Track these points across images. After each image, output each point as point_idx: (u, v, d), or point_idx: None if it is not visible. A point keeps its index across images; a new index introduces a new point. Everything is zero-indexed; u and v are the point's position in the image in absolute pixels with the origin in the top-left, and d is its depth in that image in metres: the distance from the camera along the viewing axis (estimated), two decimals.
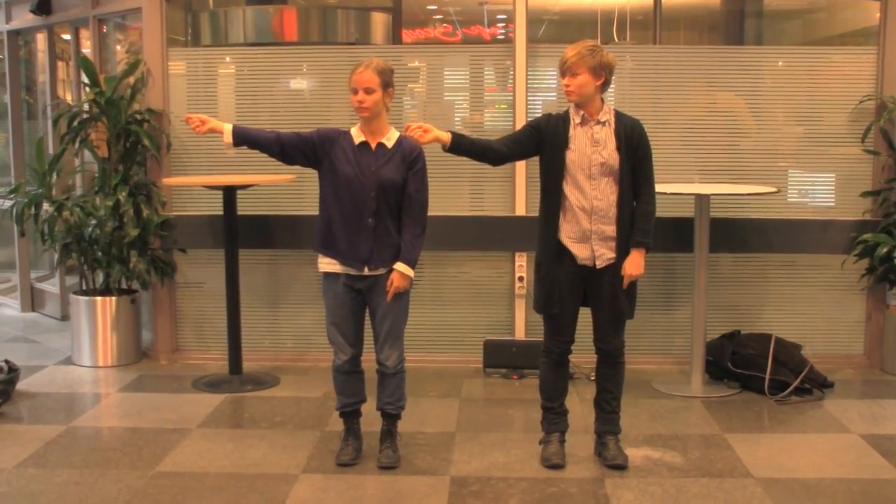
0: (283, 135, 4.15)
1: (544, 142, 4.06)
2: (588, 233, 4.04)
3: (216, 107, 6.04)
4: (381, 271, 4.10)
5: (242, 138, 4.15)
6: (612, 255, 4.07)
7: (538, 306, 4.21)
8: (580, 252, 4.06)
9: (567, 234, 4.07)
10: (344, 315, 4.17)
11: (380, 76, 4.02)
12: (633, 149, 4.05)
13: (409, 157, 4.11)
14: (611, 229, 4.05)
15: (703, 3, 8.76)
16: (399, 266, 4.07)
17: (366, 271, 4.09)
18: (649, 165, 4.12)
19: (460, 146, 4.06)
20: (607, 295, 4.11)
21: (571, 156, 4.02)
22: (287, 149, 4.13)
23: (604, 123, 4.05)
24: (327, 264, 4.15)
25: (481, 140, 4.19)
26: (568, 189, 4.04)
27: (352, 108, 4.14)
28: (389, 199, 4.08)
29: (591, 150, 4.01)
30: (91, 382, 5.65)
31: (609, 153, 4.01)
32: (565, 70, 3.99)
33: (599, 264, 4.07)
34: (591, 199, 4.02)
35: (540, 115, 4.24)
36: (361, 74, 4.01)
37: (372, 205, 4.05)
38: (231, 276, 5.52)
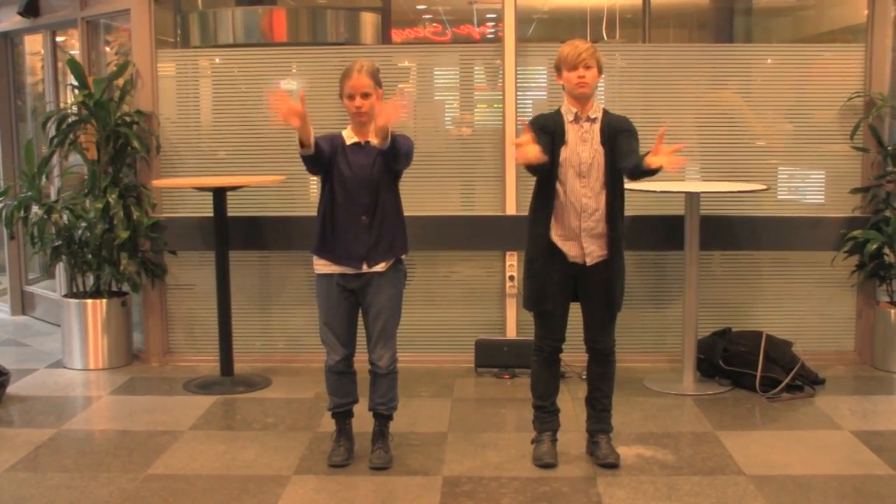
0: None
1: (546, 145, 4.04)
2: (577, 231, 4.04)
3: (206, 108, 6.03)
4: (381, 266, 4.11)
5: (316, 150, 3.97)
6: (603, 252, 4.07)
7: (529, 303, 4.20)
8: (570, 250, 4.06)
9: (557, 232, 4.07)
10: (337, 315, 4.17)
11: (373, 79, 4.05)
12: (615, 133, 4.01)
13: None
14: (601, 227, 4.05)
15: (693, 0, 8.77)
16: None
17: (364, 268, 4.10)
18: (636, 140, 4.04)
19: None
20: (600, 292, 4.11)
21: (565, 152, 4.02)
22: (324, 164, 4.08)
23: (594, 120, 4.05)
24: (323, 266, 4.16)
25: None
26: (560, 186, 4.04)
27: (341, 108, 4.14)
28: (382, 195, 4.08)
29: (581, 147, 4.01)
30: (82, 385, 5.63)
31: (596, 150, 4.01)
32: (579, 62, 3.94)
33: (589, 262, 4.07)
34: (580, 196, 4.02)
35: (532, 117, 4.21)
36: (358, 80, 4.01)
37: (365, 201, 4.06)
38: (222, 277, 5.51)
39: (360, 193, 4.06)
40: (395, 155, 3.96)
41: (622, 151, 3.98)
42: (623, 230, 4.10)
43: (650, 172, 3.81)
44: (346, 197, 4.07)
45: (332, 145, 4.10)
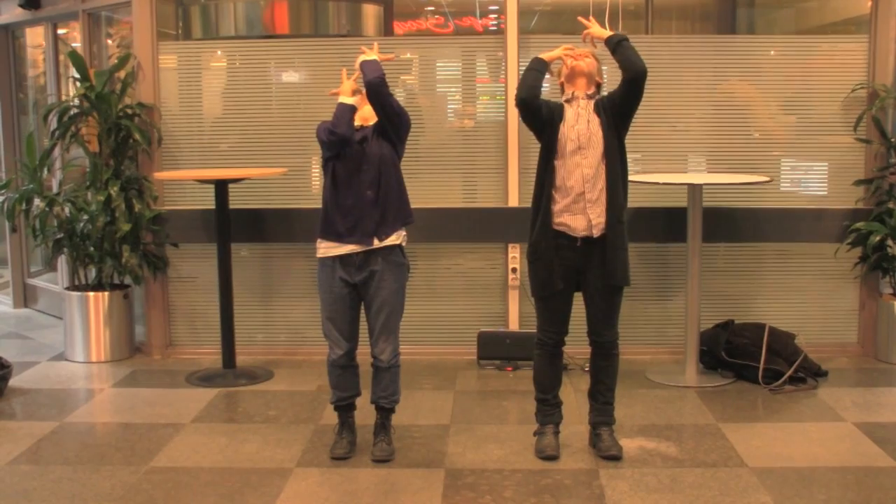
0: None
1: (546, 120, 4.10)
2: (581, 202, 4.04)
3: (207, 101, 6.02)
4: (392, 239, 4.12)
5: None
6: (602, 220, 4.07)
7: (537, 288, 4.20)
8: (578, 224, 4.05)
9: (562, 210, 4.07)
10: (339, 309, 4.17)
11: None
12: (610, 97, 4.13)
13: None
14: (604, 197, 4.06)
15: None
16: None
17: (376, 243, 4.10)
18: None
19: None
20: (597, 266, 4.09)
21: (563, 129, 4.08)
22: None
23: (590, 97, 4.12)
24: (327, 248, 4.15)
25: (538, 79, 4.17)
26: (558, 164, 4.08)
27: None
28: (384, 172, 4.11)
29: (577, 122, 4.07)
30: (84, 378, 5.64)
31: (591, 122, 4.07)
32: (575, 55, 4.14)
33: (596, 233, 4.05)
34: (582, 167, 4.04)
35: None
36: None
37: (368, 176, 4.09)
38: (223, 270, 5.50)
39: (363, 169, 4.09)
40: (380, 102, 4.06)
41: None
42: (624, 202, 4.11)
43: (610, 44, 4.10)
44: (350, 175, 4.10)
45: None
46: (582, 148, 4.05)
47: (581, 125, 4.06)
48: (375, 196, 4.10)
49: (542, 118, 4.09)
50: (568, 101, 4.13)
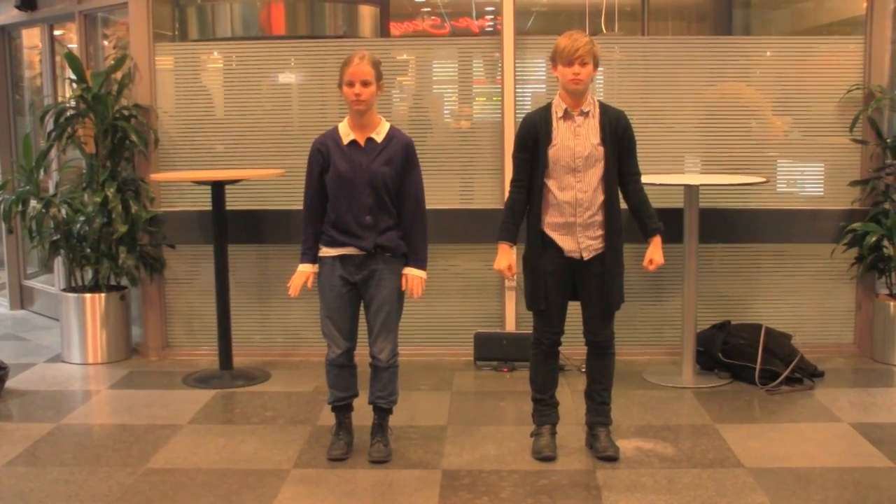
0: (315, 205, 4.18)
1: (536, 142, 4.06)
2: (573, 225, 4.03)
3: (204, 102, 6.02)
4: (387, 253, 4.12)
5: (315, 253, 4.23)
6: (600, 245, 4.07)
7: (528, 302, 4.20)
8: (566, 244, 4.06)
9: (552, 227, 4.06)
10: (339, 308, 4.17)
11: (374, 68, 4.05)
12: (619, 139, 4.04)
13: (403, 152, 4.11)
14: (598, 220, 4.04)
15: None
16: (412, 271, 4.13)
17: (374, 251, 4.11)
18: (635, 154, 4.14)
19: (514, 236, 4.15)
20: (596, 286, 4.10)
21: (552, 151, 4.01)
22: (324, 201, 4.17)
23: (587, 114, 4.03)
24: (327, 249, 4.16)
25: (515, 214, 4.15)
26: (551, 183, 4.04)
27: (340, 102, 4.13)
28: (384, 194, 4.07)
29: (574, 142, 4.00)
30: (81, 380, 5.63)
31: (593, 145, 4.00)
32: (575, 59, 3.91)
33: (586, 256, 4.06)
34: (576, 191, 4.01)
35: (521, 121, 4.21)
36: (359, 67, 4.00)
37: (367, 201, 4.05)
38: (220, 271, 5.50)
39: (363, 193, 4.06)
40: None
41: (639, 203, 4.14)
42: (621, 225, 4.09)
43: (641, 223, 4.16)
44: (349, 197, 4.06)
45: (323, 154, 4.12)
46: (577, 171, 4.00)
47: (579, 147, 3.99)
48: (374, 221, 4.08)
49: (536, 143, 4.05)
50: (562, 117, 4.03)
